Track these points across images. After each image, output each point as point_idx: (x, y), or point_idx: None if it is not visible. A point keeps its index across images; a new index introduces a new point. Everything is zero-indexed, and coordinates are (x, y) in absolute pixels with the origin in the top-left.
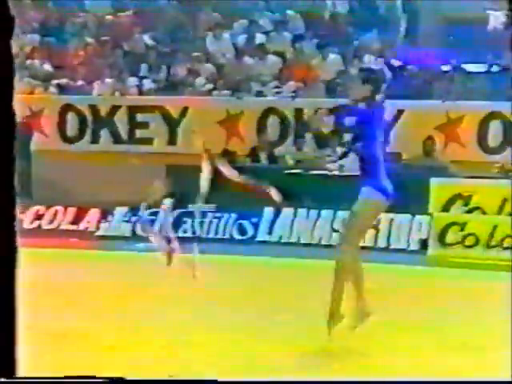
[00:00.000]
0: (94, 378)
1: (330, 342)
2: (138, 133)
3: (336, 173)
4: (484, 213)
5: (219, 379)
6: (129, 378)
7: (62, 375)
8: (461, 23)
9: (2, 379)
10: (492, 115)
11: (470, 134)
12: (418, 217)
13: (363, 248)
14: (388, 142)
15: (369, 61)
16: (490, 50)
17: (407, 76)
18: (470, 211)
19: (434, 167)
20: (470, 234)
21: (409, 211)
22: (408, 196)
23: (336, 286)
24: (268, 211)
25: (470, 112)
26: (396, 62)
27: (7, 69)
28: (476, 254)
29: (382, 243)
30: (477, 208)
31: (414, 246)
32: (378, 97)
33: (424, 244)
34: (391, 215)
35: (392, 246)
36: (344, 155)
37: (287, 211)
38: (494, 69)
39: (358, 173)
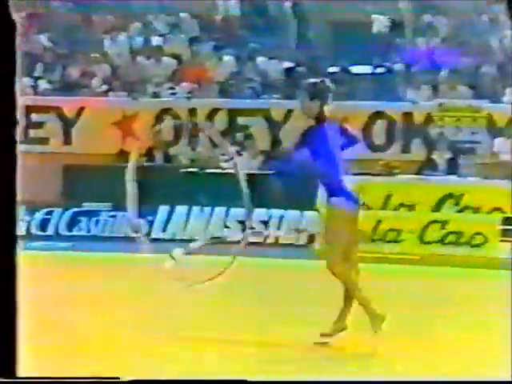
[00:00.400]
0: (94, 378)
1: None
2: (33, 132)
3: (230, 171)
4: (369, 208)
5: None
6: (127, 378)
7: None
8: (347, 27)
9: (2, 379)
10: (377, 115)
11: (356, 133)
12: (306, 213)
13: (253, 244)
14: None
15: (261, 62)
16: (375, 53)
17: (297, 77)
18: None
19: None
20: None
21: (298, 207)
22: (297, 193)
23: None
24: (162, 209)
25: (357, 112)
26: (287, 64)
27: (8, 70)
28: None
29: (271, 239)
30: (361, 204)
31: (303, 241)
32: (326, 108)
33: (312, 239)
34: (281, 212)
35: (281, 241)
36: (237, 154)
37: (181, 209)
38: (379, 70)
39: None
